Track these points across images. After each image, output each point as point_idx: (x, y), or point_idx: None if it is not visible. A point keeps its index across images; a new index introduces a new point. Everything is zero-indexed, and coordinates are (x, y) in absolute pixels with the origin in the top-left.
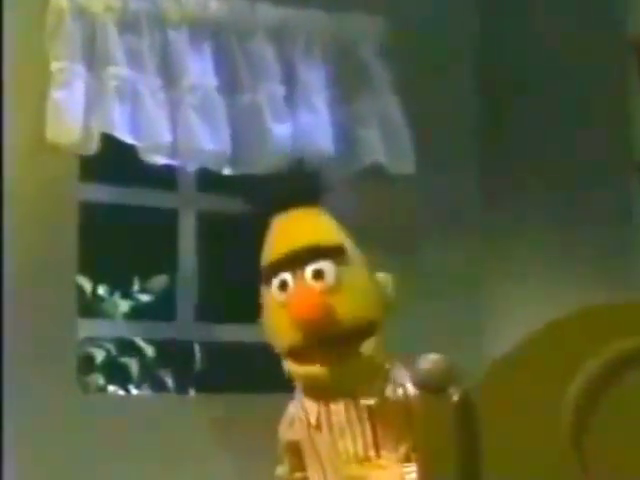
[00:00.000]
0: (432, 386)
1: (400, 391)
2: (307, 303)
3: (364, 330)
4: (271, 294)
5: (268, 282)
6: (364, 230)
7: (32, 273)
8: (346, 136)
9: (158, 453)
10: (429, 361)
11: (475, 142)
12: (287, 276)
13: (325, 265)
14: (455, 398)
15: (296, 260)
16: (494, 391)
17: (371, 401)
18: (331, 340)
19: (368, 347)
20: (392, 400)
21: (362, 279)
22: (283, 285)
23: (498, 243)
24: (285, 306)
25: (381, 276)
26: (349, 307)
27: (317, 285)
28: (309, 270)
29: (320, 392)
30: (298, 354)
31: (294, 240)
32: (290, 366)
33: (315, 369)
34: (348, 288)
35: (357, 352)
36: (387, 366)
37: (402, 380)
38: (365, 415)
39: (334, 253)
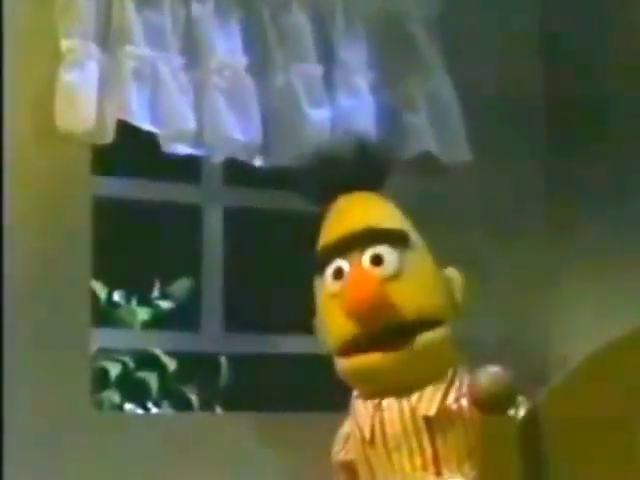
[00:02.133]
0: (493, 404)
1: (464, 401)
2: (364, 290)
3: (427, 325)
4: (324, 284)
5: (321, 271)
6: (414, 226)
7: (39, 277)
8: (392, 122)
9: (180, 477)
10: (489, 375)
11: (540, 127)
12: (343, 263)
13: (385, 250)
14: (519, 417)
15: (353, 244)
16: (563, 408)
17: (431, 411)
18: (389, 332)
19: (427, 341)
20: (455, 411)
21: (427, 269)
22: (338, 273)
23: (565, 240)
24: (339, 296)
25: (450, 271)
26: (411, 297)
27: (376, 271)
28: (367, 255)
29: (374, 387)
30: (351, 351)
31: (352, 222)
32: (341, 363)
33: (368, 357)
34: (411, 277)
35: (416, 345)
36: (451, 372)
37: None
38: (423, 427)
39: (396, 238)
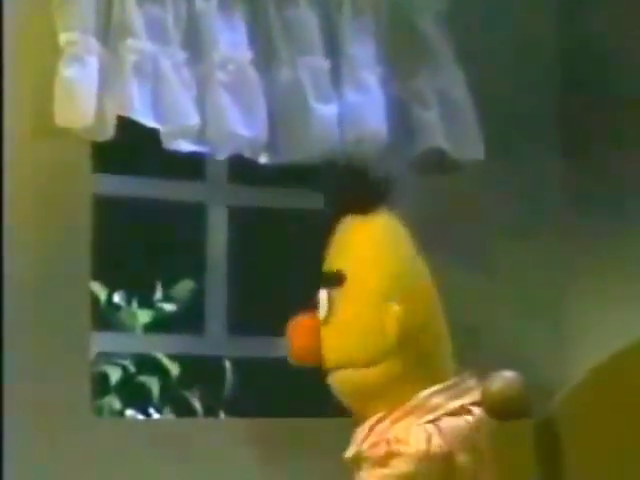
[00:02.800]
0: (507, 410)
1: (382, 449)
2: (290, 337)
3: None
4: None
5: None
6: (423, 228)
7: (38, 278)
8: (402, 118)
9: None
10: (501, 380)
11: (557, 123)
12: None
13: (322, 294)
14: (534, 424)
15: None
16: (579, 412)
17: (348, 453)
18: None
19: (338, 380)
20: (366, 456)
21: (355, 310)
22: None
23: (584, 245)
24: None
25: (388, 306)
26: (333, 343)
27: (316, 315)
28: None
29: None
30: None
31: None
32: None
33: None
34: (338, 321)
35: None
36: (378, 417)
37: (399, 435)
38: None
39: (330, 280)
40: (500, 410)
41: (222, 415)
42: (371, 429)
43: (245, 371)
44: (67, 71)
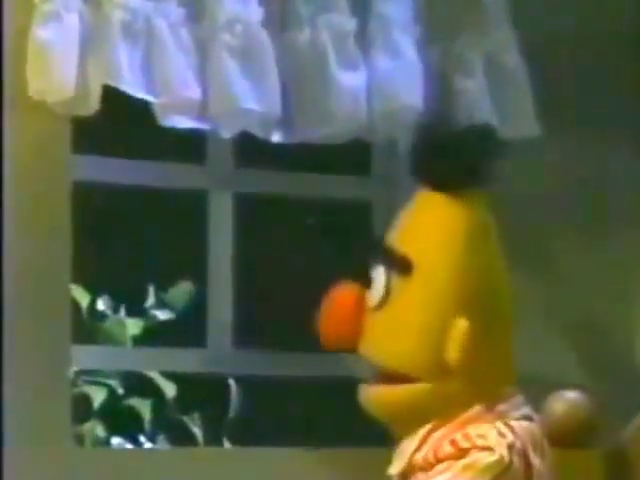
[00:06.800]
0: (571, 437)
1: (431, 455)
2: (325, 309)
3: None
4: None
5: None
6: None
7: (7, 283)
8: (441, 88)
9: None
10: (565, 403)
11: (628, 95)
12: None
13: (379, 272)
14: (604, 454)
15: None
16: None
17: (395, 469)
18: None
19: (388, 399)
20: (420, 464)
21: (418, 312)
22: None
23: None
24: None
25: (455, 322)
26: (386, 337)
27: (366, 294)
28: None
29: None
30: None
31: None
32: None
33: None
34: (395, 314)
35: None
36: (434, 423)
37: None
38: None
39: (394, 263)
40: (563, 437)
41: (226, 444)
42: (424, 439)
43: (253, 392)
44: (42, 32)
